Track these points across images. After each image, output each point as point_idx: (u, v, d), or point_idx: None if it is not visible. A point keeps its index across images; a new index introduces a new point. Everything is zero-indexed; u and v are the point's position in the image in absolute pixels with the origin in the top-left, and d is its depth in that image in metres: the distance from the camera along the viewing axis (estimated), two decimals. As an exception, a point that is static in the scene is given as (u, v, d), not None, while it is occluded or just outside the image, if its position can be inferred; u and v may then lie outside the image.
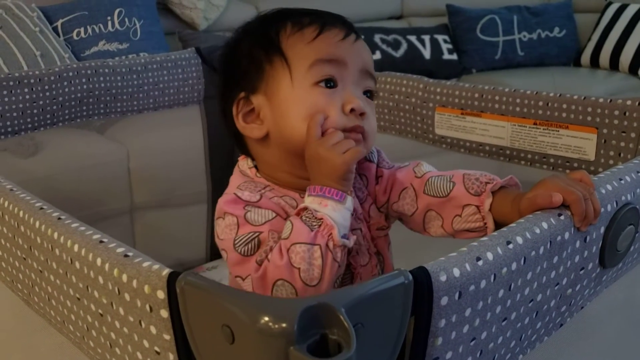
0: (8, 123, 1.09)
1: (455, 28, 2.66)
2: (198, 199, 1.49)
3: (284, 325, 0.31)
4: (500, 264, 0.41)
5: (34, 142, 1.54)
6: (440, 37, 2.59)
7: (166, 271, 0.38)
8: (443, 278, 0.38)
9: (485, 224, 0.61)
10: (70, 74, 1.14)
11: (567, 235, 0.47)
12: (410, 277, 0.36)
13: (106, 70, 1.19)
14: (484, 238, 0.43)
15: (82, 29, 1.88)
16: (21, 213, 0.53)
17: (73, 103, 1.16)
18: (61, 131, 1.47)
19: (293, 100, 0.64)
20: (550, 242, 0.46)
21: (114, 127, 1.75)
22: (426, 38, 2.55)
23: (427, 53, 2.53)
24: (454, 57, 2.60)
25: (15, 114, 1.09)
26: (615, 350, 0.68)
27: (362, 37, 0.70)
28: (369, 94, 0.69)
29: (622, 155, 0.87)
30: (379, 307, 0.34)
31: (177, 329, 0.38)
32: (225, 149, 1.45)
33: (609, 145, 0.88)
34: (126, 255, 0.41)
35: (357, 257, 0.66)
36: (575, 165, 0.92)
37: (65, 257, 0.46)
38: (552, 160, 0.94)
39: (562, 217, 0.48)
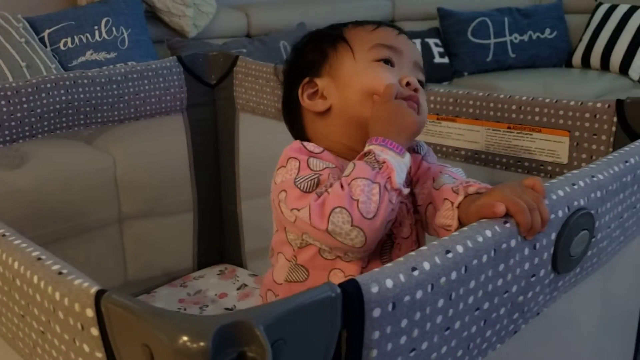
0: (-15, 136, 1.09)
1: (446, 31, 2.66)
2: (184, 207, 1.49)
3: (201, 344, 0.31)
4: (438, 274, 0.41)
5: (19, 153, 1.54)
6: (431, 41, 2.59)
7: (94, 289, 0.37)
8: (375, 290, 0.38)
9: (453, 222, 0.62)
10: (49, 85, 1.14)
11: (513, 242, 0.47)
12: (338, 290, 0.36)
13: (85, 81, 1.19)
14: (423, 248, 0.43)
15: (69, 39, 1.88)
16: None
17: (52, 114, 1.17)
18: (47, 142, 1.47)
19: (356, 73, 0.72)
20: (495, 250, 0.46)
21: (101, 137, 1.74)
22: (417, 42, 2.55)
23: (417, 57, 2.52)
24: (446, 60, 2.60)
25: (-8, 127, 1.09)
26: (574, 355, 0.67)
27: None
28: (421, 84, 0.75)
29: (594, 157, 0.87)
30: (303, 321, 0.34)
31: (107, 347, 0.37)
32: (209, 157, 1.46)
33: (581, 148, 0.88)
34: (60, 273, 0.41)
35: (400, 228, 0.70)
36: (550, 168, 0.91)
37: (8, 274, 0.46)
38: (526, 164, 0.94)
39: (507, 225, 0.47)
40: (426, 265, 0.41)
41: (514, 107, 0.93)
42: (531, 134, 0.92)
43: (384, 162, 0.62)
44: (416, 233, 0.73)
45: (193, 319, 0.32)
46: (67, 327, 0.40)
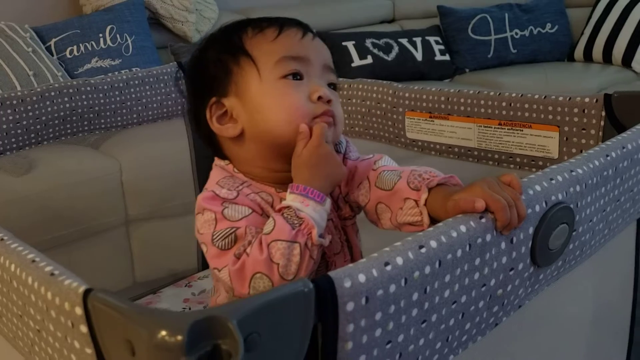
0: (-8, 144, 1.12)
1: (446, 29, 2.67)
2: (188, 209, 1.50)
3: (178, 338, 0.33)
4: (411, 268, 0.43)
5: (27, 160, 1.58)
6: (432, 39, 2.60)
7: (82, 288, 0.40)
8: (347, 284, 0.39)
9: (422, 218, 0.63)
10: (53, 93, 1.17)
11: (488, 237, 0.49)
12: (311, 285, 0.38)
13: (88, 89, 1.22)
14: (397, 243, 0.44)
15: (74, 47, 1.91)
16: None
17: (57, 122, 1.19)
18: (54, 148, 1.50)
19: (263, 94, 0.69)
20: (470, 244, 0.47)
21: (107, 143, 1.78)
22: (418, 40, 2.57)
23: (419, 55, 2.54)
24: (447, 57, 2.60)
25: (-2, 135, 1.12)
26: (557, 348, 0.69)
27: (317, 35, 0.75)
28: (332, 86, 0.73)
29: (583, 152, 0.88)
30: (277, 315, 0.36)
31: (96, 343, 0.39)
32: (211, 159, 1.48)
33: (570, 143, 0.89)
34: (52, 274, 0.43)
35: (331, 246, 0.70)
36: (540, 163, 0.93)
37: (6, 276, 0.48)
38: (518, 159, 0.95)
39: (483, 220, 0.49)
40: (399, 260, 0.42)
41: (504, 103, 0.95)
42: (522, 130, 0.94)
43: (302, 219, 0.61)
44: (348, 244, 0.73)
45: (170, 315, 0.34)
46: (59, 325, 0.42)
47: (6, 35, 1.77)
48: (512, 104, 0.94)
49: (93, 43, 1.94)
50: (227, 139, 0.71)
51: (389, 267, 0.42)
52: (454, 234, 0.46)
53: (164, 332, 0.33)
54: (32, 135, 1.16)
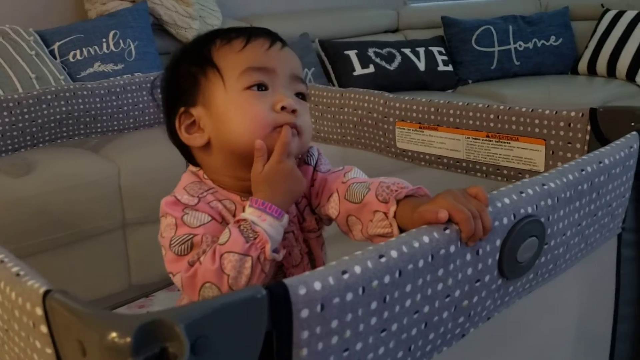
0: (-13, 145, 1.13)
1: (450, 39, 2.68)
2: (184, 214, 1.52)
3: (127, 340, 0.34)
4: (370, 277, 0.43)
5: (26, 161, 1.59)
6: (435, 49, 2.61)
7: (43, 289, 0.40)
8: (302, 291, 0.40)
9: (392, 230, 0.63)
10: (49, 96, 1.19)
11: (452, 248, 0.49)
12: (264, 291, 0.38)
13: (85, 93, 1.23)
14: (358, 252, 0.45)
15: (77, 51, 1.94)
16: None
17: (53, 125, 1.21)
18: (53, 150, 1.51)
19: (227, 105, 0.69)
20: (432, 255, 0.48)
21: (107, 146, 1.79)
22: (421, 50, 2.57)
23: (421, 65, 2.55)
24: (450, 68, 2.61)
25: (-6, 137, 1.14)
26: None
27: (287, 44, 0.76)
28: (301, 96, 0.74)
29: (559, 165, 0.88)
30: (227, 320, 0.37)
31: (55, 343, 0.40)
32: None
33: (556, 157, 0.89)
34: (18, 274, 0.44)
35: (289, 258, 0.71)
36: (527, 176, 0.93)
37: (-23, 276, 0.49)
38: (505, 172, 0.96)
39: (447, 231, 0.49)
40: (357, 269, 0.43)
41: (492, 116, 0.95)
42: (509, 142, 0.94)
43: (257, 233, 0.62)
44: (309, 256, 0.74)
45: (120, 317, 0.34)
46: (22, 325, 0.43)
47: (10, 38, 1.79)
48: (499, 117, 0.94)
49: (96, 47, 1.96)
50: (196, 148, 0.73)
51: (346, 276, 0.42)
52: (416, 245, 0.47)
53: (113, 334, 0.34)
54: (28, 137, 1.18)
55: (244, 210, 0.66)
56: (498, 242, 0.53)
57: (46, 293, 0.40)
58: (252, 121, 0.68)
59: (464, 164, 1.01)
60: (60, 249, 1.60)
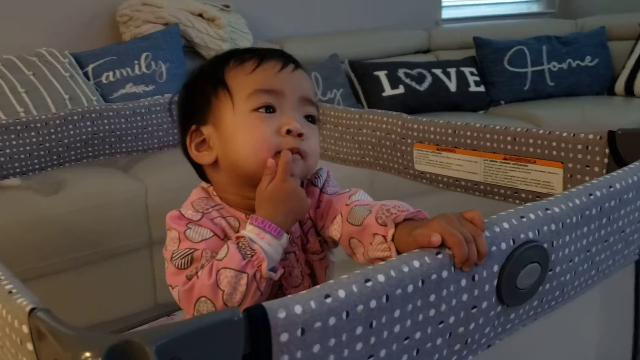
0: (16, 164, 1.17)
1: (482, 60, 2.66)
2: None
3: None
4: (354, 302, 0.43)
5: (56, 180, 1.64)
6: (466, 70, 2.59)
7: (29, 307, 0.41)
8: (282, 315, 0.40)
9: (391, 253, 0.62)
10: (75, 117, 1.22)
11: (445, 273, 0.48)
12: (240, 314, 0.38)
13: (110, 114, 1.26)
14: (344, 276, 0.44)
15: (110, 73, 1.99)
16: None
17: (78, 145, 1.24)
18: (81, 169, 1.55)
19: (235, 125, 0.71)
20: (423, 280, 0.47)
21: (136, 166, 1.83)
22: (452, 71, 2.56)
23: (452, 86, 2.53)
24: (481, 89, 2.59)
25: (22, 156, 1.17)
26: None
27: (302, 66, 0.77)
28: (311, 118, 0.74)
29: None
30: (201, 343, 0.37)
31: (40, 360, 0.41)
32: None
33: (575, 180, 0.87)
34: (10, 292, 0.45)
35: (290, 278, 0.71)
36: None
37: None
38: (523, 195, 0.94)
39: (439, 256, 0.48)
40: (341, 293, 0.42)
41: (509, 138, 0.94)
42: (526, 165, 0.92)
43: (254, 251, 0.62)
44: (311, 278, 0.73)
45: (92, 337, 0.35)
46: (12, 342, 0.44)
47: (46, 60, 1.85)
48: (517, 139, 0.93)
49: (128, 69, 2.01)
50: (206, 166, 0.74)
51: (329, 300, 0.42)
52: (405, 269, 0.46)
53: (85, 354, 0.34)
54: (55, 157, 1.21)
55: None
56: (496, 268, 0.52)
57: (31, 311, 0.41)
58: (256, 144, 0.69)
59: (482, 187, 0.99)
60: (87, 266, 1.63)
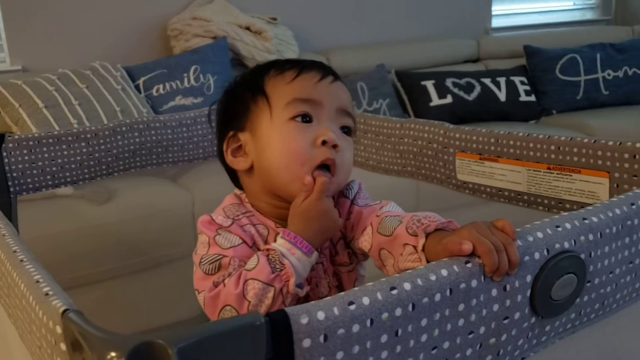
0: (67, 174, 1.21)
1: (533, 69, 2.61)
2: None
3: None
4: (379, 309, 0.43)
5: (107, 190, 1.69)
6: (517, 79, 2.54)
7: (62, 308, 0.43)
8: (304, 320, 0.40)
9: (422, 264, 0.62)
10: (124, 128, 1.26)
11: (474, 283, 0.47)
12: (262, 319, 0.39)
13: (157, 125, 1.30)
14: (369, 284, 0.44)
15: (161, 86, 2.04)
16: (2, 256, 0.60)
17: (127, 155, 1.28)
18: (131, 179, 1.59)
19: (271, 133, 0.71)
20: (451, 289, 0.46)
21: (184, 176, 1.87)
22: (502, 80, 2.52)
23: (502, 95, 2.49)
24: (532, 98, 2.54)
25: (73, 166, 1.21)
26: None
27: (341, 79, 0.77)
28: (347, 130, 0.74)
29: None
30: (223, 347, 0.37)
31: (71, 360, 0.42)
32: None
33: (621, 190, 0.85)
34: (47, 294, 0.47)
35: (316, 289, 0.71)
36: (590, 210, 0.88)
37: (20, 294, 0.53)
38: (567, 205, 0.91)
39: (468, 265, 0.48)
40: (365, 300, 0.42)
41: (552, 147, 0.91)
42: (571, 175, 0.90)
43: (284, 265, 0.62)
44: (339, 290, 0.72)
45: (116, 337, 0.36)
46: (48, 343, 0.45)
47: (99, 74, 1.92)
48: (561, 148, 0.91)
49: (178, 82, 2.05)
50: (240, 172, 0.75)
51: (352, 307, 0.42)
52: (433, 278, 0.46)
53: (110, 354, 0.35)
54: (104, 167, 1.25)
55: (276, 238, 0.66)
56: (529, 278, 0.51)
57: (64, 312, 0.42)
58: (290, 156, 0.69)
59: (525, 197, 0.97)
60: (135, 274, 1.67)
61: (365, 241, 0.70)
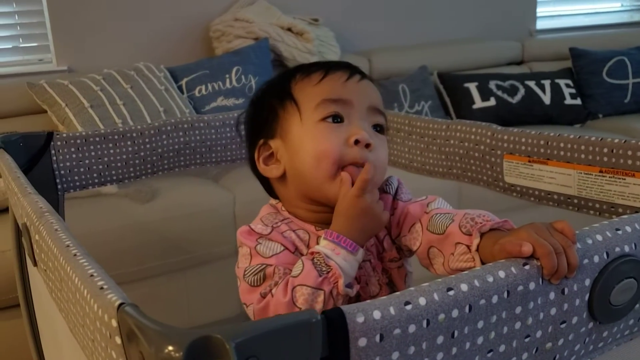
0: (113, 172, 1.23)
1: (579, 71, 2.55)
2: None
3: (179, 354, 0.35)
4: (435, 310, 0.42)
5: (151, 189, 1.71)
6: (562, 82, 2.49)
7: (118, 302, 0.43)
8: (360, 319, 0.39)
9: (475, 264, 0.60)
10: (169, 127, 1.27)
11: (532, 285, 0.46)
12: (319, 316, 0.38)
13: (201, 124, 1.31)
14: (425, 284, 0.43)
15: (203, 87, 2.06)
16: (55, 250, 0.61)
17: (171, 154, 1.29)
18: (174, 178, 1.61)
19: (302, 136, 0.70)
20: (509, 291, 0.45)
21: (224, 175, 1.88)
22: (546, 83, 2.47)
23: (547, 98, 2.44)
24: (578, 101, 2.48)
25: (119, 164, 1.23)
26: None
27: (368, 77, 0.76)
28: (379, 128, 0.73)
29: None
30: (279, 343, 0.37)
31: (127, 353, 0.42)
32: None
33: (679, 194, 0.82)
34: (102, 288, 0.47)
35: (367, 288, 0.70)
36: (645, 215, 0.86)
37: (73, 289, 0.53)
38: (620, 210, 0.89)
39: (527, 267, 0.47)
40: (422, 301, 0.41)
41: (605, 150, 0.89)
42: (624, 179, 0.87)
43: (330, 267, 0.60)
44: (390, 287, 0.71)
45: (174, 331, 0.36)
46: (102, 336, 0.46)
47: (143, 74, 1.94)
48: (614, 151, 0.88)
49: (220, 83, 2.07)
50: (274, 180, 0.74)
51: (409, 307, 0.41)
52: (490, 279, 0.45)
53: (168, 348, 0.35)
54: (149, 166, 1.27)
55: (318, 241, 0.65)
56: (588, 282, 0.49)
57: (120, 306, 0.42)
58: (322, 156, 0.68)
59: (575, 201, 0.95)
60: (177, 273, 1.69)
61: (413, 238, 0.69)
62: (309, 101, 0.71)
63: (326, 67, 0.73)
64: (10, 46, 2.17)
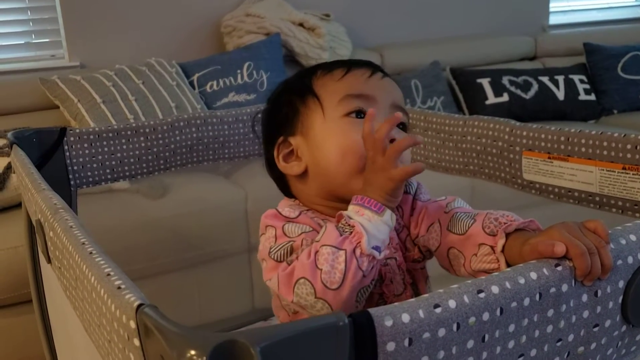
0: (126, 168, 1.22)
1: (593, 67, 2.52)
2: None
3: (203, 359, 0.33)
4: (465, 313, 0.40)
5: (162, 184, 1.70)
6: (576, 77, 2.46)
7: (137, 303, 0.41)
8: (389, 323, 0.38)
9: (500, 265, 0.58)
10: (182, 123, 1.26)
11: (564, 287, 0.45)
12: (346, 320, 0.37)
13: (214, 120, 1.29)
14: (454, 285, 0.42)
15: (214, 82, 2.05)
16: (70, 248, 0.60)
17: (184, 150, 1.28)
18: (186, 174, 1.59)
19: (325, 132, 0.69)
20: (541, 294, 0.43)
21: (236, 172, 1.87)
22: (560, 78, 2.44)
23: (560, 94, 2.41)
24: (592, 97, 2.45)
25: (132, 160, 1.22)
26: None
27: (390, 76, 0.75)
28: (402, 125, 0.72)
29: None
30: (305, 347, 0.35)
31: (145, 356, 0.41)
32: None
33: None
34: (119, 288, 0.46)
35: (391, 285, 0.68)
36: (670, 213, 0.84)
37: (89, 287, 0.52)
38: (644, 208, 0.87)
39: (559, 268, 0.45)
40: (452, 304, 0.40)
41: (629, 146, 0.87)
42: (648, 176, 0.85)
43: (353, 227, 0.58)
44: (413, 288, 0.69)
45: (198, 335, 0.34)
46: (120, 337, 0.44)
47: (155, 70, 1.93)
48: (637, 147, 0.86)
49: (231, 78, 2.06)
50: (293, 177, 0.73)
51: (438, 310, 0.39)
52: (522, 281, 0.43)
53: (190, 352, 0.34)
54: (162, 161, 1.25)
55: None
56: (621, 284, 0.47)
57: (139, 307, 0.41)
58: (348, 151, 0.67)
59: (597, 199, 0.93)
60: (189, 269, 1.68)
61: (432, 239, 0.67)
62: (331, 97, 0.70)
63: (348, 64, 0.72)
64: (22, 42, 2.17)
